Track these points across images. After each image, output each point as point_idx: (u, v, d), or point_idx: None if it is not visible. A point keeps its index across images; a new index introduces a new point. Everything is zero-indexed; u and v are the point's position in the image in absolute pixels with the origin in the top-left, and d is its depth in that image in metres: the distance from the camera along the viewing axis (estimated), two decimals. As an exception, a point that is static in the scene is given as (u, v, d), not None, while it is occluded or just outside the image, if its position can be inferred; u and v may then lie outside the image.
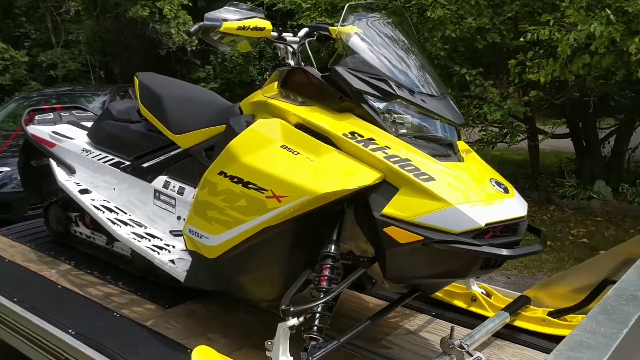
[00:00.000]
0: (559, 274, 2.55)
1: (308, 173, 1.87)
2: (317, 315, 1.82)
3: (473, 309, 2.57)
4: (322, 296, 1.84)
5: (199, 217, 2.13)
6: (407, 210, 1.79)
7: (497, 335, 2.40)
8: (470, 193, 1.83)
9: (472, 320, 2.53)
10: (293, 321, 1.72)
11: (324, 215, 2.00)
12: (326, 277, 1.88)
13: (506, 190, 1.90)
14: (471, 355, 2.00)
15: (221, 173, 2.04)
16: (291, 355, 1.79)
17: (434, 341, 2.36)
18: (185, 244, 2.23)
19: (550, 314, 2.43)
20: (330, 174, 1.86)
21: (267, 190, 1.92)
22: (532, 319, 2.44)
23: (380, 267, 1.96)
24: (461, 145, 2.11)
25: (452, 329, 2.07)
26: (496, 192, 1.87)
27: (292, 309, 1.72)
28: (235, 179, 2.00)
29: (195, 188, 2.46)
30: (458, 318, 2.55)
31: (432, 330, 2.46)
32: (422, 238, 1.75)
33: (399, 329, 2.45)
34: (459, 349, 2.02)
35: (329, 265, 1.89)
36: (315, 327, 1.81)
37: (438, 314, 2.57)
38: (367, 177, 1.84)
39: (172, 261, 2.40)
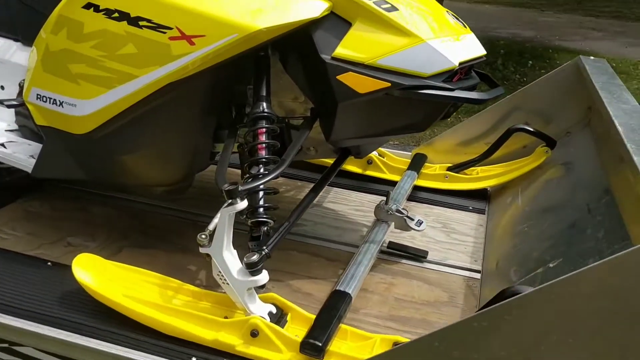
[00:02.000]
0: (452, 128, 2.42)
1: (236, 2, 1.34)
2: (262, 193, 1.40)
3: (370, 172, 2.34)
4: (265, 169, 1.40)
5: (54, 75, 1.46)
6: (366, 51, 1.40)
7: (404, 196, 2.24)
8: (435, 26, 1.50)
9: (372, 185, 2.33)
10: (242, 204, 1.27)
11: (242, 65, 1.51)
12: (265, 145, 1.43)
13: (464, 25, 1.62)
14: (412, 219, 1.79)
15: (89, 6, 1.38)
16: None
17: (350, 212, 2.10)
18: (30, 117, 1.54)
19: (449, 169, 2.33)
20: (266, 4, 1.35)
21: (170, 29, 1.35)
22: (433, 177, 2.32)
23: (321, 127, 1.58)
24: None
25: (388, 194, 1.81)
26: (458, 26, 1.57)
27: (240, 188, 1.26)
28: (116, 14, 1.37)
29: (14, 41, 1.73)
30: (357, 184, 2.32)
31: (341, 201, 2.19)
32: (390, 85, 1.39)
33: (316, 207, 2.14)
34: (398, 214, 1.78)
35: (264, 129, 1.44)
36: (262, 209, 1.39)
37: (336, 182, 2.30)
38: (313, 7, 1.38)
39: (2, 145, 1.69)
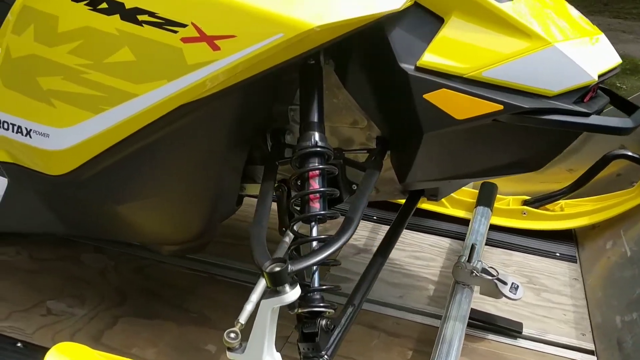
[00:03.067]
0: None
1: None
2: (315, 269, 0.95)
3: (428, 206, 1.89)
4: (321, 236, 0.96)
5: (18, 91, 1.02)
6: (466, 58, 0.96)
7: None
8: (563, 24, 1.06)
9: (431, 222, 1.88)
10: (293, 293, 0.83)
11: (282, 77, 1.08)
12: (320, 194, 0.99)
13: (590, 23, 1.17)
14: (505, 284, 1.33)
15: (66, -8, 0.95)
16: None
17: (408, 260, 1.65)
18: None
19: (526, 203, 1.88)
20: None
21: (184, 27, 0.91)
22: (508, 213, 1.86)
23: (393, 164, 1.13)
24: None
25: (472, 250, 1.36)
26: (586, 24, 1.13)
27: (291, 268, 0.82)
28: (104, 5, 0.93)
29: None
30: (412, 221, 1.86)
31: (401, 246, 1.74)
32: (501, 108, 0.95)
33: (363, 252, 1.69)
34: (487, 277, 1.33)
35: (318, 171, 1.00)
36: (318, 296, 0.94)
37: (382, 217, 1.85)
38: (393, -5, 0.94)
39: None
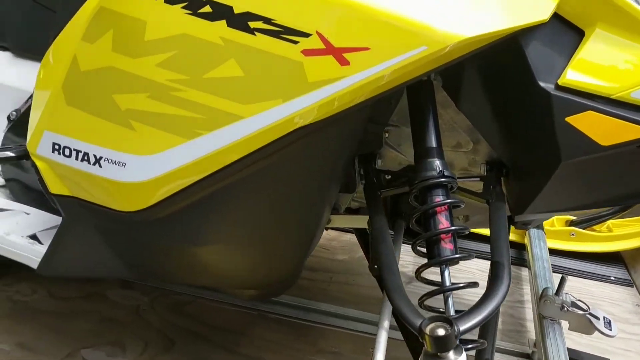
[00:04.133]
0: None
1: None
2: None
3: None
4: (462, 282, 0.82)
5: (86, 111, 0.84)
6: (613, 77, 0.84)
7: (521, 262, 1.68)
8: None
9: (474, 244, 1.76)
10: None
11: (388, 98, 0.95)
12: (452, 232, 0.85)
13: None
14: (597, 318, 1.23)
15: (157, -7, 0.78)
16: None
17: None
18: (43, 182, 0.91)
19: (573, 223, 1.79)
20: (466, 2, 0.79)
21: (306, 36, 0.76)
22: (555, 234, 1.77)
23: (510, 193, 1.01)
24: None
25: (561, 282, 1.24)
26: None
27: (458, 330, 0.68)
28: (207, 8, 0.76)
29: None
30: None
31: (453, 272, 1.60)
32: (658, 133, 0.85)
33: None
34: (578, 311, 1.23)
35: (446, 206, 0.86)
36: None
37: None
38: (538, 6, 0.81)
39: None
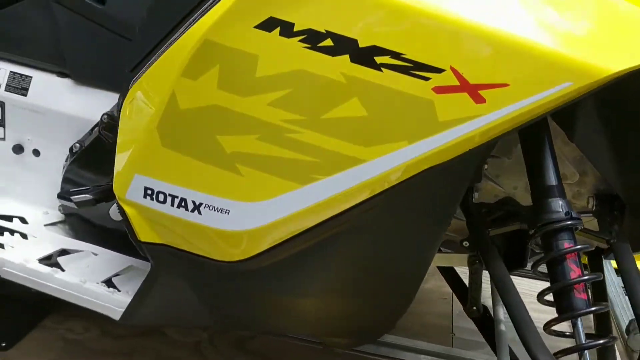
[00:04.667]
0: None
1: (568, 30, 0.69)
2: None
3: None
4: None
5: (185, 154, 0.76)
6: None
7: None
8: None
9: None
10: None
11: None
12: (585, 282, 0.78)
13: None
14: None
15: (270, 25, 0.70)
16: None
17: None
18: (132, 229, 0.83)
19: None
20: (610, 31, 0.72)
21: (439, 72, 0.68)
22: None
23: (627, 227, 0.94)
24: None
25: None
26: None
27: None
28: (328, 42, 0.69)
29: (58, 75, 1.07)
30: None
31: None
32: None
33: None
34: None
35: (575, 252, 0.79)
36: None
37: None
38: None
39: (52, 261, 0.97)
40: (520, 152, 0.89)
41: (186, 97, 0.74)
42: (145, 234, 0.82)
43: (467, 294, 1.06)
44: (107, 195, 0.90)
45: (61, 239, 1.04)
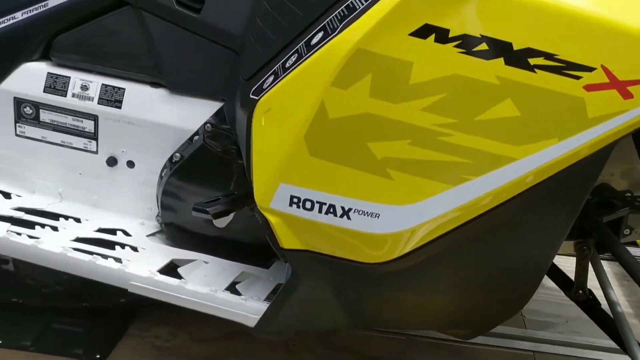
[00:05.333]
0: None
1: None
2: None
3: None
4: None
5: (336, 162, 0.77)
6: None
7: None
8: None
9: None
10: None
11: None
12: None
13: None
14: None
15: (425, 32, 0.71)
16: None
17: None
18: (274, 237, 0.84)
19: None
20: None
21: (590, 71, 0.71)
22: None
23: None
24: None
25: None
26: None
27: None
28: (483, 46, 0.71)
29: (151, 86, 1.07)
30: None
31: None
32: None
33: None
34: None
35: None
36: None
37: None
38: None
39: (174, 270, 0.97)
40: None
41: (336, 106, 0.75)
42: (288, 241, 0.83)
43: (562, 278, 1.10)
44: (237, 204, 0.91)
45: (168, 249, 1.05)
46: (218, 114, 1.03)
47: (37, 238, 0.96)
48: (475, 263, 0.85)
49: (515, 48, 0.71)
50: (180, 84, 1.04)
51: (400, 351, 1.29)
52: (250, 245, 1.08)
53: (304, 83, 0.77)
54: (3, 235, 0.94)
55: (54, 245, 0.94)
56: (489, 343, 1.34)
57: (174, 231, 1.09)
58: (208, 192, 1.04)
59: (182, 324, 1.31)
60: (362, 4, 0.74)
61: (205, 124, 1.01)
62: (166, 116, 1.05)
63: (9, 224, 0.99)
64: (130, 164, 1.09)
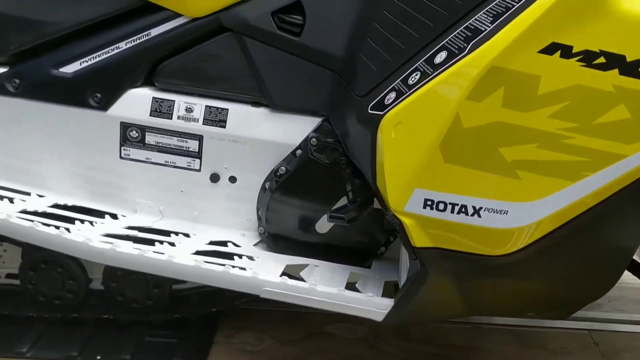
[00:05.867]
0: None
1: None
2: None
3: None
4: None
5: (468, 166, 0.87)
6: None
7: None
8: None
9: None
10: None
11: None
12: None
13: None
14: None
15: (552, 49, 0.81)
16: None
17: None
18: (407, 237, 0.92)
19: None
20: None
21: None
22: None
23: None
24: None
25: None
26: None
27: None
28: (601, 59, 0.81)
29: (252, 105, 1.15)
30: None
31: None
32: None
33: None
34: None
35: None
36: None
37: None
38: None
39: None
40: None
41: (470, 117, 0.85)
42: (420, 240, 0.92)
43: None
44: (361, 209, 0.99)
45: (279, 257, 1.12)
46: (319, 128, 1.11)
47: (162, 254, 1.02)
48: (580, 251, 0.96)
49: (628, 60, 0.82)
50: (281, 103, 1.12)
51: (470, 338, 1.40)
52: (348, 248, 1.17)
53: (438, 98, 0.87)
54: (138, 253, 0.99)
55: (187, 259, 1.00)
56: (547, 325, 1.45)
57: (278, 239, 1.16)
58: (313, 201, 1.12)
59: (263, 329, 1.38)
60: (489, 27, 0.84)
61: (309, 138, 1.09)
62: (269, 133, 1.13)
63: (131, 242, 1.05)
64: (232, 179, 1.16)
